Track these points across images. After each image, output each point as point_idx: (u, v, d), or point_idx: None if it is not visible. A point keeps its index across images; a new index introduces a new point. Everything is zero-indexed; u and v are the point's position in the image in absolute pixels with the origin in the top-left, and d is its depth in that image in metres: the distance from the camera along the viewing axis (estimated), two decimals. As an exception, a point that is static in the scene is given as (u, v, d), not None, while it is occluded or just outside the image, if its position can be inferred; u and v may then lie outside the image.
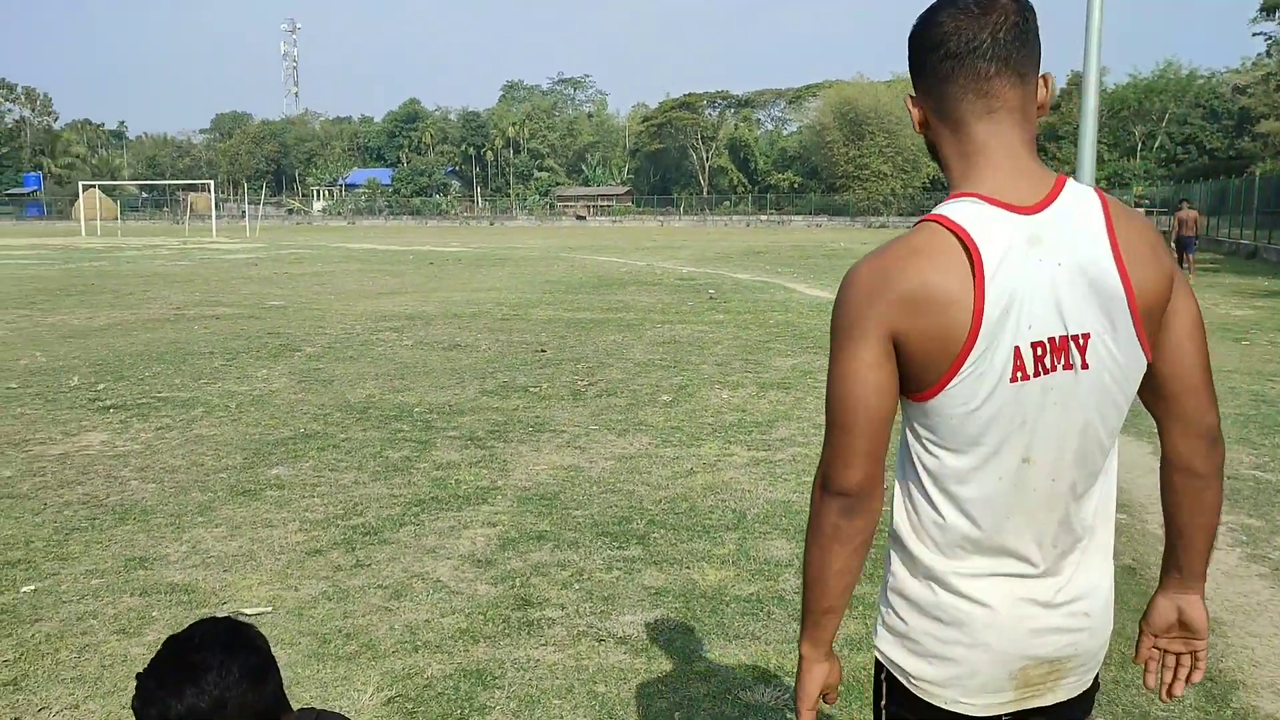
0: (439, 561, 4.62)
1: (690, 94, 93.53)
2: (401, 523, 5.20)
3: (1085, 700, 1.66)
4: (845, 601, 1.58)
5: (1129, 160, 73.20)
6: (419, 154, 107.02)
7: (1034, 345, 1.44)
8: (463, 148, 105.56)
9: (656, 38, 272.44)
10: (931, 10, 1.53)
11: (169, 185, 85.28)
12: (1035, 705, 1.58)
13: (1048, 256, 1.44)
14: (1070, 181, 1.50)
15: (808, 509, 1.57)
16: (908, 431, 1.57)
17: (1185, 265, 21.89)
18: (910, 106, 1.59)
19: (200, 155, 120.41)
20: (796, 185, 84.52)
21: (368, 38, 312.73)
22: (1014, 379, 1.45)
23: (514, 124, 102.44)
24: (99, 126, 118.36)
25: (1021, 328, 1.43)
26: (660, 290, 19.01)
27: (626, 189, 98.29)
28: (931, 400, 1.48)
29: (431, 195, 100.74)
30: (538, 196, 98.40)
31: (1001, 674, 1.55)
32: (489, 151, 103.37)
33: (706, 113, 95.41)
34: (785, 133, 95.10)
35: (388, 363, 10.46)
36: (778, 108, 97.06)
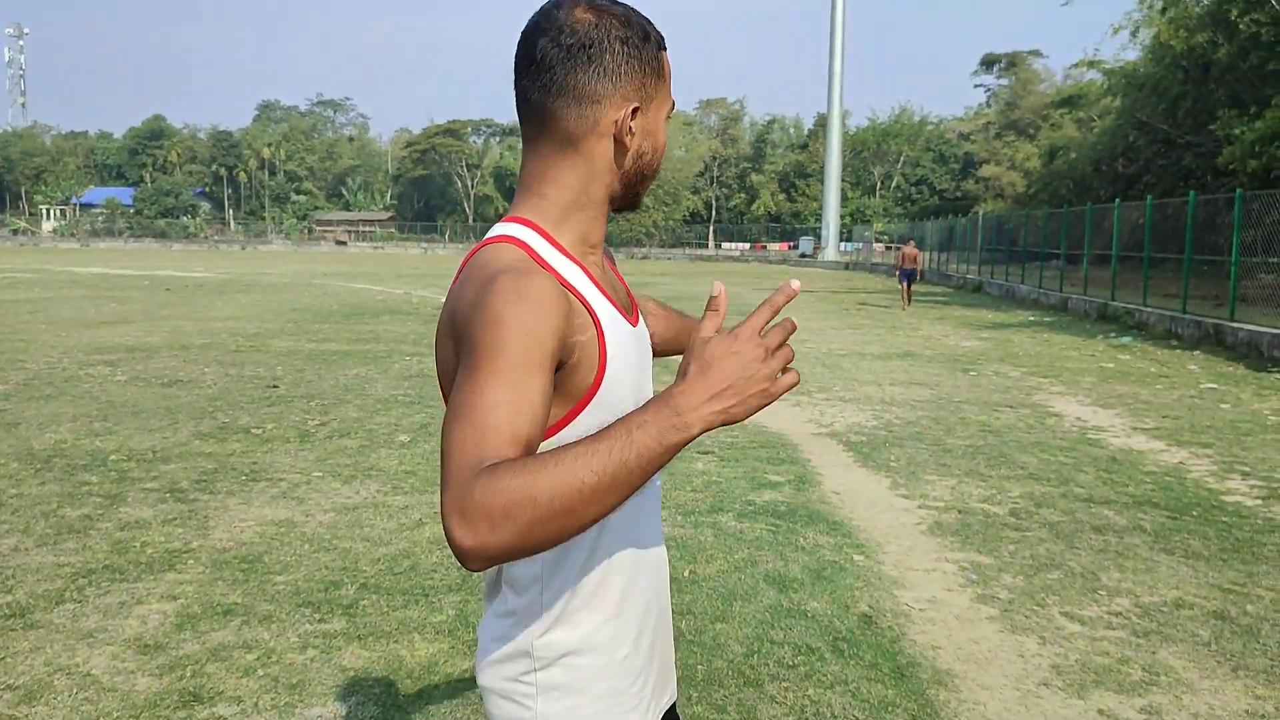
0: (95, 649, 3.88)
1: (455, 120, 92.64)
2: (60, 599, 4.39)
3: None
4: None
5: (870, 198, 78.29)
6: (164, 173, 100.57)
7: None
8: (213, 168, 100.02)
9: (420, 63, 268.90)
10: None
11: None
12: None
13: None
14: (501, 225, 1.41)
15: None
16: None
17: (905, 296, 23.91)
18: None
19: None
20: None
21: (107, 48, 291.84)
22: None
23: (270, 144, 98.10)
24: None
25: None
26: (414, 320, 18.25)
27: (389, 214, 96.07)
28: None
29: (178, 217, 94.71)
30: (295, 220, 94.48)
31: None
32: (242, 173, 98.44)
33: (471, 140, 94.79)
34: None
35: (91, 401, 9.30)
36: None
